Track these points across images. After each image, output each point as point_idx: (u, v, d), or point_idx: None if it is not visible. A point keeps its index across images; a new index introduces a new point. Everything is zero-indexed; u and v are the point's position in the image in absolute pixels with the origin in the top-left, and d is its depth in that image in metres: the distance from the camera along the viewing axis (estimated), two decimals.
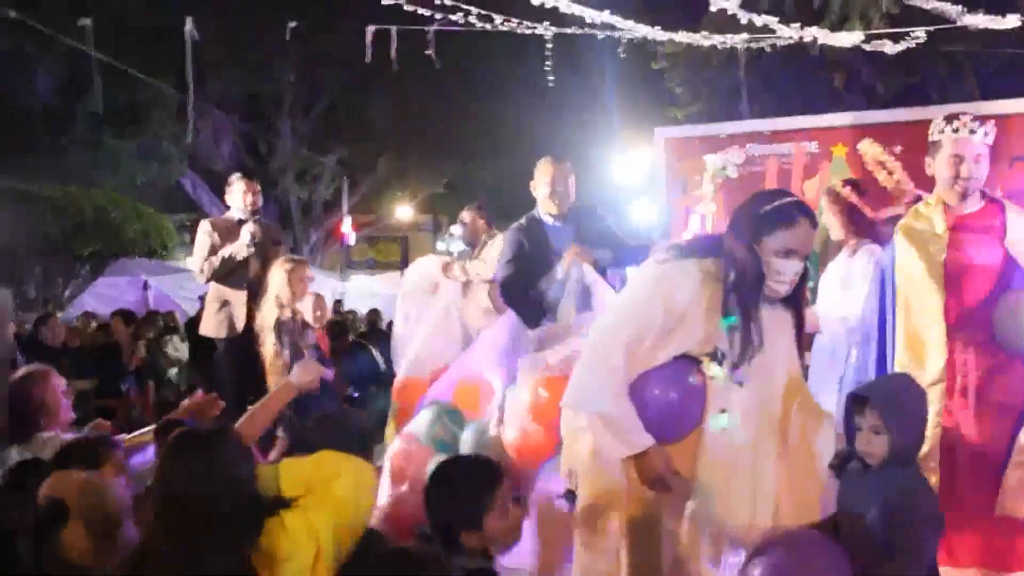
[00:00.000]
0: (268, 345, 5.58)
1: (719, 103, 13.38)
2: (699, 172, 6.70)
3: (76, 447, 3.23)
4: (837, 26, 10.65)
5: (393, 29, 7.13)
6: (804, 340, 3.57)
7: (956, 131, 3.66)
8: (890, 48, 8.01)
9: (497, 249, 6.00)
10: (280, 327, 5.58)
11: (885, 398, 2.73)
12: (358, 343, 9.63)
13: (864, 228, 4.60)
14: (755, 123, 7.83)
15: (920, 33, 8.07)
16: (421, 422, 4.45)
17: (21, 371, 4.14)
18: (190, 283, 13.64)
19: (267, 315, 5.64)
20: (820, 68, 11.89)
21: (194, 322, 10.56)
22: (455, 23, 7.15)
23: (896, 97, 12.57)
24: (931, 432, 3.55)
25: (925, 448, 3.57)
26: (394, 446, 4.52)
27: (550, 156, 5.28)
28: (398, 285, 12.54)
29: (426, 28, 7.28)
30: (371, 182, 25.09)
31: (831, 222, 4.70)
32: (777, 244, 2.88)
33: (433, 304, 5.54)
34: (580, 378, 2.98)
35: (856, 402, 2.79)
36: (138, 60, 14.64)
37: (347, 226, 21.33)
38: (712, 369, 2.90)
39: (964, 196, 3.70)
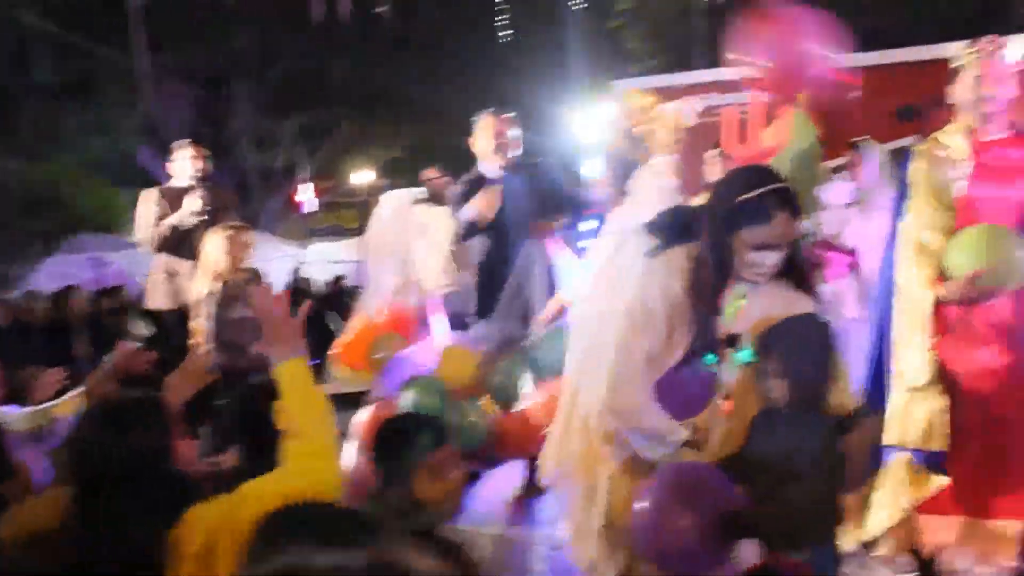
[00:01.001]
0: (203, 318, 5.33)
1: (676, 56, 13.29)
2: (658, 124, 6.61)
3: None
4: None
5: None
6: None
7: (977, 52, 3.63)
8: None
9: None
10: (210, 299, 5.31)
11: (785, 344, 2.67)
12: (316, 312, 9.48)
13: None
14: (711, 72, 7.75)
15: None
16: (403, 395, 4.36)
17: None
18: (144, 258, 13.43)
19: (202, 286, 5.36)
20: None
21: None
22: None
23: (858, 41, 12.48)
24: (925, 358, 3.55)
25: (923, 376, 3.56)
26: (364, 414, 4.42)
27: (490, 109, 5.21)
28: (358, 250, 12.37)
29: None
30: (331, 147, 24.77)
31: None
32: (753, 239, 2.73)
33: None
34: (611, 399, 2.84)
35: (762, 345, 2.74)
36: (87, 30, 14.28)
37: (307, 192, 21.06)
38: (709, 357, 2.83)
39: (988, 119, 3.64)
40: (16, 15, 11.46)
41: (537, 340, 4.50)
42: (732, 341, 2.83)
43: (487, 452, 4.42)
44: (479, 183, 5.10)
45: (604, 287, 3.04)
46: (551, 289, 4.74)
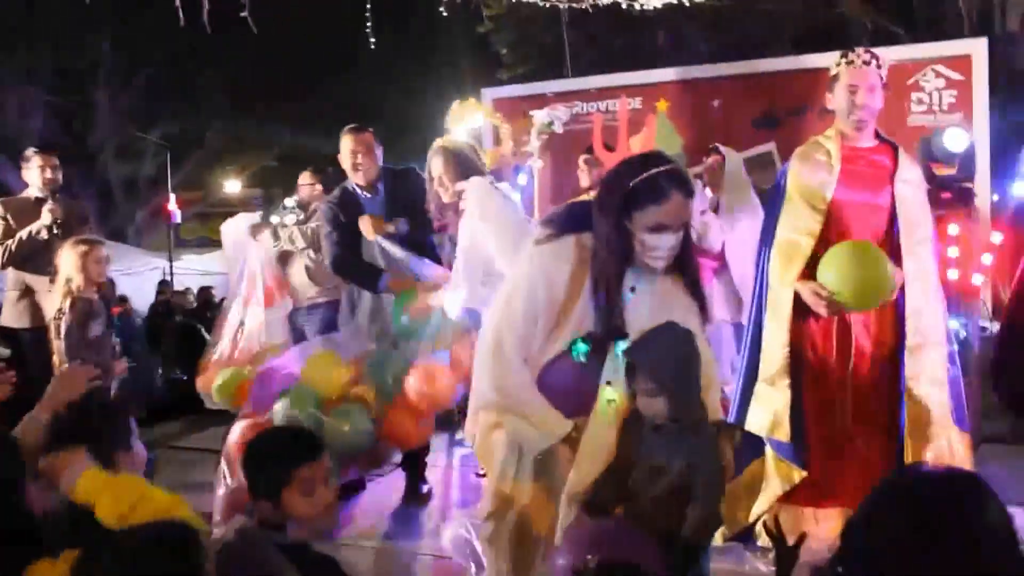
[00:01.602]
0: (57, 336, 5.03)
1: (545, 62, 13.44)
2: (527, 131, 6.69)
3: None
4: None
5: None
6: None
7: (851, 63, 3.77)
8: (707, 7, 8.16)
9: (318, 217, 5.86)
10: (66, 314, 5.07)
11: (654, 361, 2.65)
12: (186, 324, 9.22)
13: None
14: (580, 80, 7.89)
15: None
16: (275, 408, 4.28)
17: None
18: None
19: (54, 301, 5.07)
20: (643, 26, 12.09)
21: None
22: None
23: (716, 54, 12.92)
24: (780, 353, 3.72)
25: (774, 368, 3.72)
26: (233, 434, 4.31)
27: (350, 127, 5.22)
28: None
29: None
30: (198, 156, 24.14)
31: None
32: (648, 220, 2.69)
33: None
34: (485, 379, 2.85)
35: (629, 368, 2.70)
36: None
37: (173, 204, 20.42)
38: (578, 347, 2.78)
39: (860, 127, 3.79)
40: None
41: (404, 328, 4.51)
42: (617, 335, 2.79)
43: (375, 451, 4.39)
44: (350, 199, 5.10)
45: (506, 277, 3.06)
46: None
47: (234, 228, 5.84)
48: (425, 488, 5.11)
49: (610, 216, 2.74)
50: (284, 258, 5.80)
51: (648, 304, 2.82)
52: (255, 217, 5.78)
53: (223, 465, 4.22)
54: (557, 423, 2.78)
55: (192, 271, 17.08)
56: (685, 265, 2.86)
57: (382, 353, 4.44)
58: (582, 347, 2.79)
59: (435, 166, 4.51)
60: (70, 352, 4.92)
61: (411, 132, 13.86)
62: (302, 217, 5.88)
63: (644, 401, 2.65)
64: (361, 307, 5.03)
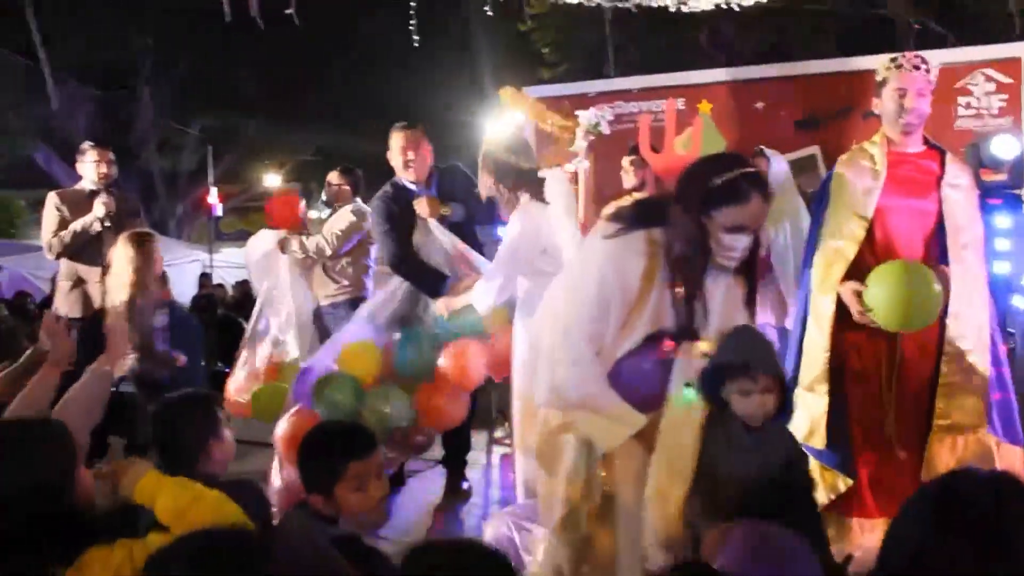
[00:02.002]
0: (124, 327, 5.21)
1: (586, 62, 13.43)
2: (569, 131, 6.69)
3: None
4: None
5: None
6: None
7: (900, 67, 3.74)
8: (741, 3, 8.10)
9: (341, 220, 5.93)
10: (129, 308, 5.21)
11: (765, 358, 2.66)
12: (227, 316, 9.32)
13: None
14: (624, 81, 7.87)
15: None
16: (316, 398, 4.34)
17: None
18: (46, 262, 12.99)
19: (113, 296, 5.17)
20: (685, 25, 12.05)
21: (47, 303, 10.03)
22: None
23: (759, 54, 12.85)
24: (821, 358, 3.69)
25: (814, 374, 3.70)
26: (281, 428, 4.37)
27: (401, 124, 5.23)
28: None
29: None
30: (238, 150, 24.35)
31: None
32: (727, 220, 2.73)
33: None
34: (554, 377, 2.85)
35: (730, 370, 2.68)
36: None
37: (213, 197, 20.63)
38: (688, 395, 2.75)
39: (907, 132, 3.77)
40: None
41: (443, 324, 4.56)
42: (693, 334, 2.82)
43: (413, 433, 4.42)
44: (402, 195, 5.12)
45: (565, 273, 3.07)
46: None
47: (261, 243, 5.91)
48: (465, 485, 5.15)
49: (692, 213, 2.76)
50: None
51: (711, 304, 2.85)
52: (281, 233, 5.84)
53: (277, 458, 4.29)
54: (631, 417, 2.78)
55: (231, 264, 17.25)
56: (749, 269, 2.89)
57: (410, 331, 4.49)
58: (690, 395, 2.76)
59: (485, 175, 4.48)
60: (136, 344, 5.04)
61: (451, 130, 13.92)
62: (326, 216, 5.98)
63: (758, 400, 2.63)
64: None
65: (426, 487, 5.24)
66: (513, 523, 3.50)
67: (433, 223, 4.82)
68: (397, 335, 4.66)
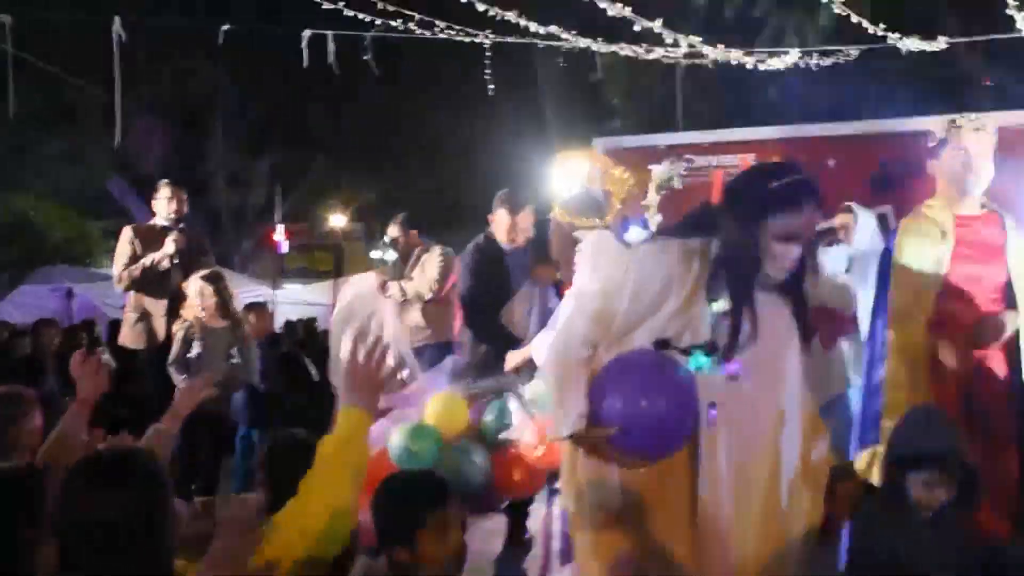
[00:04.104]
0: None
1: (655, 113, 13.47)
2: (639, 183, 6.70)
3: None
4: (773, 40, 10.81)
5: (330, 34, 6.96)
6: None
7: (960, 128, 3.71)
8: (820, 64, 8.12)
9: (435, 265, 5.93)
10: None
11: (944, 455, 2.55)
12: (291, 354, 9.38)
13: None
14: (694, 135, 7.87)
15: (852, 51, 8.19)
16: (394, 444, 4.30)
17: None
18: (116, 291, 13.27)
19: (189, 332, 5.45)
20: (756, 80, 12.04)
21: (117, 328, 10.23)
22: (395, 29, 7.02)
23: (829, 111, 12.78)
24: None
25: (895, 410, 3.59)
26: None
27: (509, 200, 5.10)
28: (330, 294, 12.41)
29: (364, 34, 7.13)
30: (304, 189, 24.76)
31: None
32: (779, 228, 2.64)
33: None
34: (552, 343, 2.91)
35: (906, 461, 2.59)
36: (63, 59, 14.22)
37: (279, 234, 20.99)
38: (699, 360, 2.67)
39: (967, 193, 3.73)
40: None
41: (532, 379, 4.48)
42: (712, 348, 2.71)
43: (484, 495, 4.37)
44: (492, 255, 5.07)
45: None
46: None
47: (361, 283, 5.95)
48: (527, 535, 5.10)
49: (744, 220, 2.69)
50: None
51: (759, 319, 2.74)
52: (378, 276, 5.88)
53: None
54: (574, 419, 2.69)
55: (294, 301, 17.45)
56: (796, 282, 2.79)
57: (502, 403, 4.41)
58: (703, 360, 2.68)
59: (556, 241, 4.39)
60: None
61: (522, 180, 13.98)
62: (391, 260, 6.01)
63: (928, 493, 2.55)
64: None
65: (485, 536, 5.20)
66: None
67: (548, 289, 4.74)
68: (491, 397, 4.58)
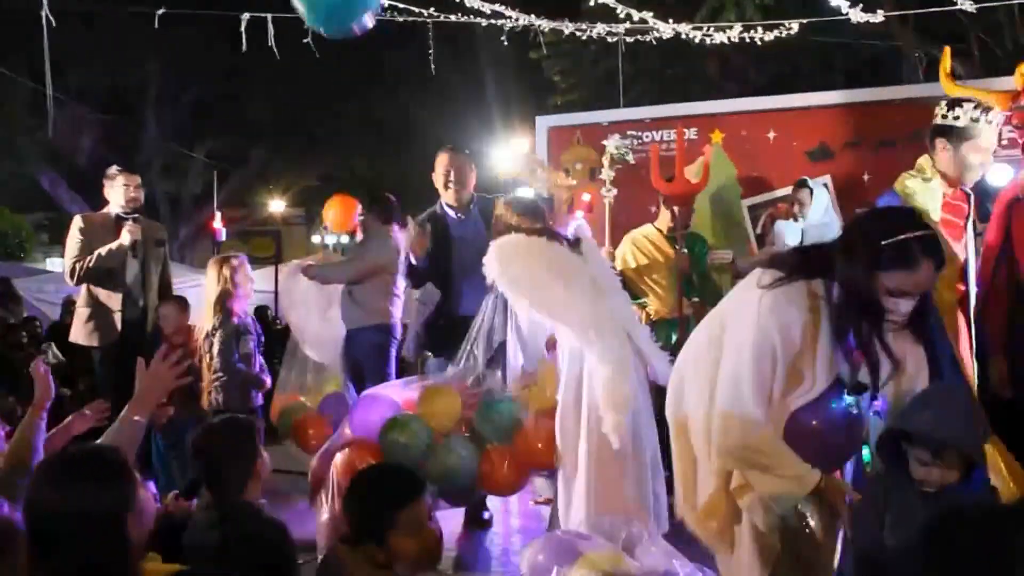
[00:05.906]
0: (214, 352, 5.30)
1: (596, 90, 13.50)
2: (580, 159, 6.74)
3: None
4: (712, 16, 10.89)
5: (269, 17, 6.83)
6: None
7: (990, 122, 3.72)
8: (763, 38, 8.21)
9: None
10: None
11: (931, 435, 2.47)
12: None
13: None
14: (636, 111, 7.93)
15: (793, 25, 8.30)
16: (385, 436, 4.22)
17: None
18: (49, 286, 12.96)
19: (210, 321, 5.37)
20: (696, 56, 12.13)
21: (58, 328, 9.92)
22: None
23: (769, 85, 12.93)
24: None
25: None
26: (338, 457, 4.27)
27: (448, 146, 5.33)
28: (271, 280, 12.30)
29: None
30: (242, 175, 24.41)
31: None
32: (892, 283, 2.55)
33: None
34: (727, 438, 2.67)
35: (908, 435, 2.52)
36: None
37: (218, 221, 20.63)
38: (845, 399, 2.65)
39: (966, 184, 3.84)
40: None
41: (527, 379, 4.40)
42: (859, 389, 2.68)
43: (469, 489, 4.33)
44: (436, 220, 5.21)
45: (716, 322, 2.90)
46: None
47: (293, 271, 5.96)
48: (486, 515, 5.13)
49: (857, 270, 2.60)
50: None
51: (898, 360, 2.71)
52: (304, 261, 5.92)
53: (329, 489, 4.18)
54: (808, 474, 2.62)
55: None
56: (921, 318, 2.72)
57: (497, 401, 4.32)
58: (850, 399, 2.67)
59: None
60: (225, 368, 5.10)
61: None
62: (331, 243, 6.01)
63: (923, 470, 2.48)
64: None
65: (447, 518, 5.21)
66: (548, 550, 3.26)
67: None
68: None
